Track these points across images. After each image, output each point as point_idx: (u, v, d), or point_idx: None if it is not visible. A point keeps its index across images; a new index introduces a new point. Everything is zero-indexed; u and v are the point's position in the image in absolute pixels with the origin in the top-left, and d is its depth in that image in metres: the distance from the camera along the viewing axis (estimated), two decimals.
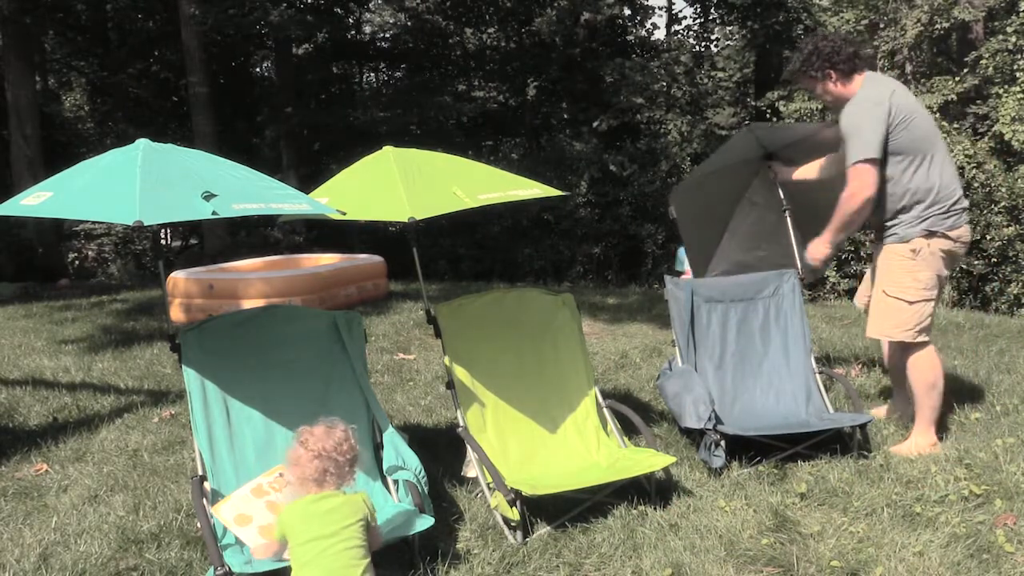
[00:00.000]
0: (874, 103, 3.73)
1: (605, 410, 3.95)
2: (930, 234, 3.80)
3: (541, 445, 3.77)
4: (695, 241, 5.03)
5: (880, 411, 4.40)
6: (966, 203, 3.87)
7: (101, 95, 19.75)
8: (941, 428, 4.17)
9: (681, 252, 5.02)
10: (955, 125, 12.02)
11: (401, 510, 3.10)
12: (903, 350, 3.97)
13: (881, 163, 3.75)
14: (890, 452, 3.85)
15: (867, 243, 11.72)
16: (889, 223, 3.88)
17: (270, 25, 14.06)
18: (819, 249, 4.05)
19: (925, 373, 3.89)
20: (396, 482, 3.31)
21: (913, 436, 3.93)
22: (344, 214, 3.37)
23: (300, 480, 2.68)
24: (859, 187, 3.75)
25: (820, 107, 13.41)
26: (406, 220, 3.26)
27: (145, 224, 2.68)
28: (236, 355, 3.40)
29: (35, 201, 2.95)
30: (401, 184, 3.44)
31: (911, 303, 3.84)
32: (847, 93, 3.91)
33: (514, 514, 3.09)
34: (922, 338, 3.88)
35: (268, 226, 15.16)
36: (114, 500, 3.61)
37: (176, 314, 7.91)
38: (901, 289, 3.85)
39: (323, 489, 2.66)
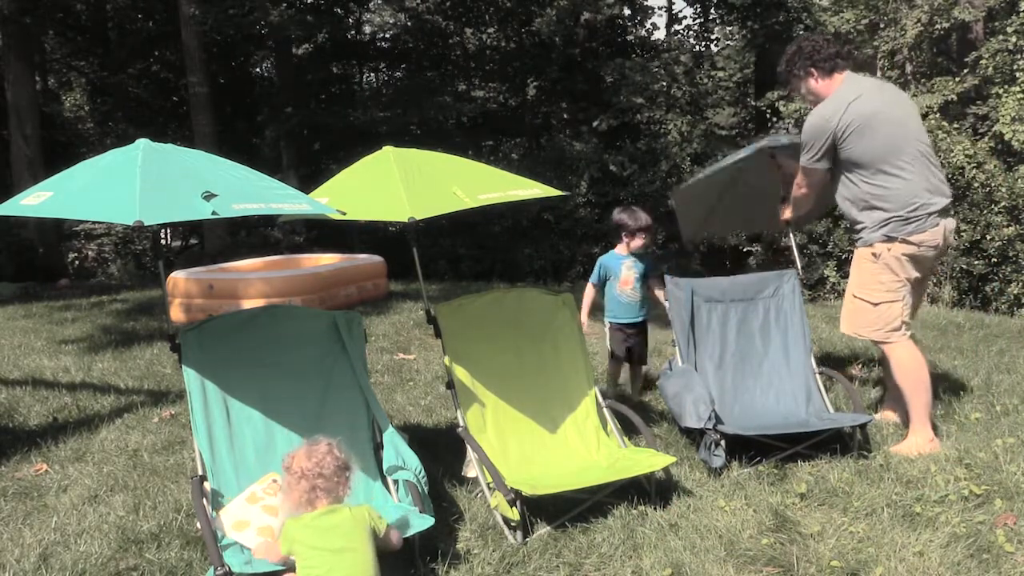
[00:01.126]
0: (826, 118, 3.86)
1: (605, 410, 3.95)
2: (889, 239, 3.85)
3: (541, 445, 3.77)
4: (688, 216, 5.07)
5: (887, 414, 4.39)
6: (939, 206, 3.86)
7: (101, 95, 19.76)
8: (941, 428, 4.17)
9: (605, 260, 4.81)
10: (955, 125, 12.00)
11: (401, 510, 3.10)
12: (883, 349, 4.02)
13: (830, 170, 3.97)
14: (890, 452, 3.85)
15: None
16: (856, 227, 4.00)
17: (270, 25, 14.05)
18: (784, 212, 4.51)
19: (908, 371, 3.93)
20: (396, 482, 3.31)
21: (910, 435, 3.94)
22: (344, 214, 3.37)
23: (295, 505, 2.69)
24: (799, 183, 4.13)
25: None
26: (406, 220, 3.26)
27: (145, 224, 2.69)
28: (236, 355, 3.40)
29: (35, 201, 2.96)
30: (401, 184, 3.44)
31: (875, 304, 3.92)
32: (826, 92, 4.00)
33: (514, 514, 3.09)
34: (895, 337, 3.93)
35: (268, 226, 15.16)
36: (114, 500, 3.61)
37: (176, 314, 7.91)
38: (866, 291, 3.95)
39: (317, 507, 2.66)
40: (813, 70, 4.02)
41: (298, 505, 2.68)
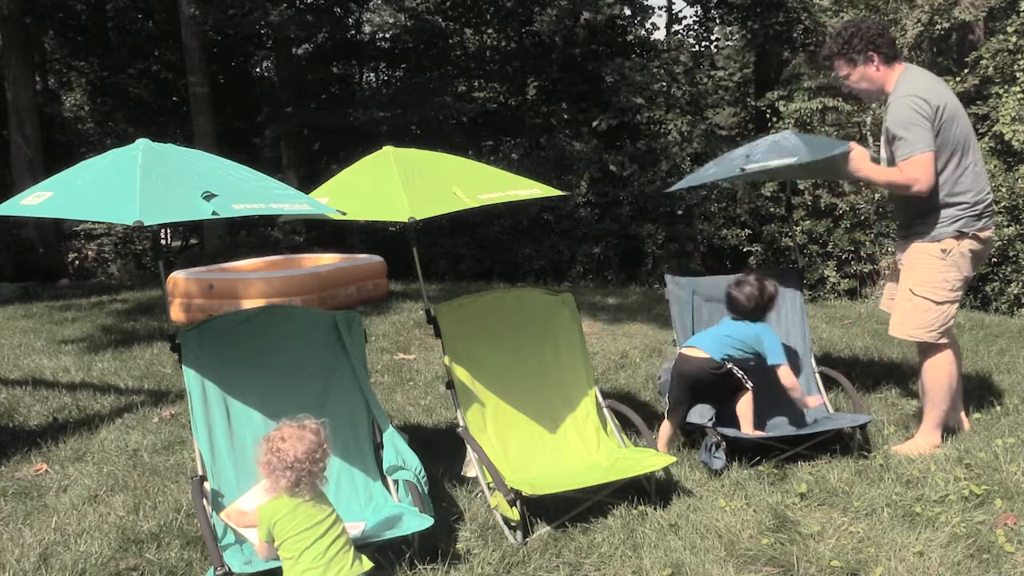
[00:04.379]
0: (923, 99, 3.63)
1: (605, 410, 3.95)
2: (961, 235, 3.74)
3: (541, 445, 3.77)
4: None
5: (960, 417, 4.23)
6: (991, 201, 3.82)
7: (101, 95, 19.75)
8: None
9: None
10: None
11: (401, 510, 3.10)
12: (922, 352, 3.91)
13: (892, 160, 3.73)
14: (891, 452, 3.85)
15: (867, 243, 11.73)
16: (920, 220, 3.80)
17: (270, 25, 14.06)
18: (859, 161, 3.82)
19: (942, 376, 3.85)
20: (396, 482, 3.32)
21: (917, 437, 3.92)
22: (344, 214, 3.37)
23: (273, 488, 2.65)
24: (917, 177, 3.65)
25: (820, 107, 13.39)
26: (406, 220, 3.26)
27: (145, 224, 2.69)
28: (236, 355, 3.40)
29: (35, 201, 2.96)
30: (401, 184, 3.44)
31: (938, 303, 3.78)
32: (886, 81, 3.81)
33: (514, 514, 3.09)
34: (944, 340, 3.83)
35: (268, 226, 15.15)
36: (114, 500, 3.61)
37: (176, 314, 7.91)
38: (929, 289, 3.79)
39: (296, 497, 2.62)
40: (875, 55, 3.77)
41: (277, 490, 2.63)
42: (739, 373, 3.88)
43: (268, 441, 2.66)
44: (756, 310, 3.95)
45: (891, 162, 3.81)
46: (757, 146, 4.16)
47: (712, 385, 3.92)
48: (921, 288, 3.81)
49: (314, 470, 2.62)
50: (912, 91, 3.67)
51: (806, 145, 3.94)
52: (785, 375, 3.86)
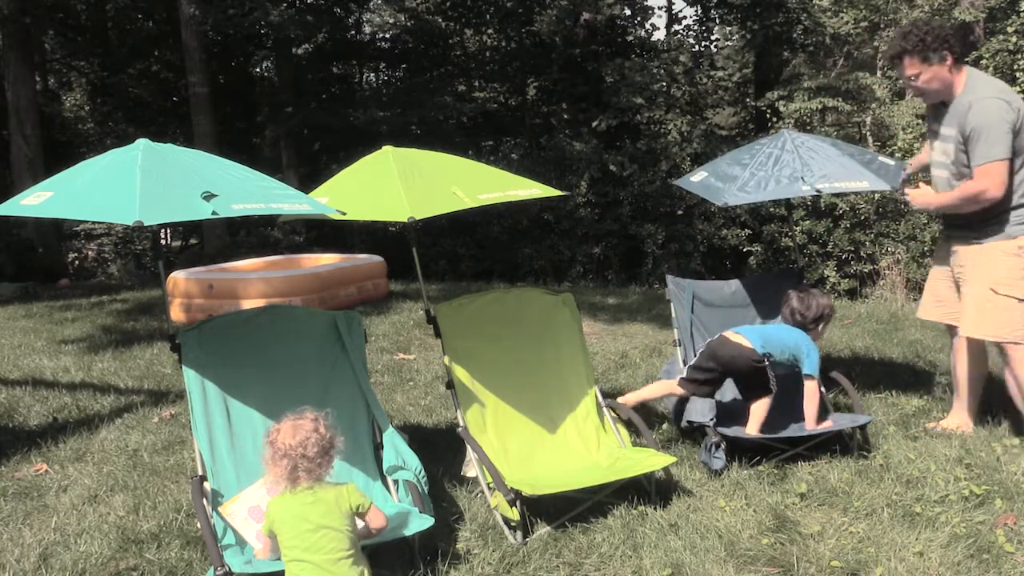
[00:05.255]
0: (1005, 100, 3.63)
1: (605, 410, 3.95)
2: None
3: (541, 445, 3.77)
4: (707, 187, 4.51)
5: (949, 423, 4.20)
6: None
7: (101, 95, 19.76)
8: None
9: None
10: None
11: (401, 510, 3.10)
12: (1006, 353, 3.82)
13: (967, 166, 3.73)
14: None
15: (866, 243, 11.73)
16: (994, 219, 3.78)
17: (270, 25, 14.05)
18: (926, 199, 3.96)
19: None
20: (396, 482, 3.32)
21: None
22: (344, 214, 3.37)
23: (276, 480, 2.70)
24: (990, 185, 3.66)
25: (820, 107, 13.38)
26: (406, 220, 3.26)
27: (145, 224, 2.69)
28: (236, 355, 3.40)
29: (35, 201, 2.96)
30: (401, 184, 3.44)
31: (1021, 300, 3.73)
32: (954, 81, 3.78)
33: (514, 514, 3.09)
34: None
35: (268, 226, 15.15)
36: (114, 500, 3.61)
37: (176, 314, 7.91)
38: (1011, 287, 3.73)
39: (298, 486, 2.66)
40: (949, 55, 3.72)
41: (278, 480, 2.68)
42: (771, 374, 3.90)
43: (267, 435, 2.74)
44: (809, 321, 4.02)
45: (956, 162, 3.80)
46: (799, 158, 4.09)
47: (741, 377, 3.97)
48: (1004, 287, 3.74)
49: (310, 454, 2.64)
50: (997, 93, 3.67)
51: (864, 166, 3.98)
52: (811, 388, 3.90)
